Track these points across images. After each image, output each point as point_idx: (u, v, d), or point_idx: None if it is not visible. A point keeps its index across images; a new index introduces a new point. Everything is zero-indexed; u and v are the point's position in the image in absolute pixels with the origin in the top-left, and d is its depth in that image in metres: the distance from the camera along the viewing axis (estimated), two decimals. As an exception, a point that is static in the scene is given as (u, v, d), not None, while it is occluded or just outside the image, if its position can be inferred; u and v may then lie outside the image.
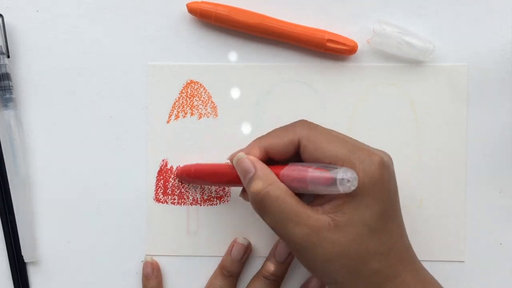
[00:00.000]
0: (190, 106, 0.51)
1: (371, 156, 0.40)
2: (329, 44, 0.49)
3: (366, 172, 0.40)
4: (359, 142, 0.43)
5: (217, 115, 0.51)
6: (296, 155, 0.43)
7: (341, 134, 0.43)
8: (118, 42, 0.51)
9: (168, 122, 0.51)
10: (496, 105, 0.50)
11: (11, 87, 0.50)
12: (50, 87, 0.51)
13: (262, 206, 0.42)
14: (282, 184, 0.42)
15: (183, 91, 0.51)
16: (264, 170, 0.42)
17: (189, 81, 0.51)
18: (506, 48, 0.50)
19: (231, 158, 0.45)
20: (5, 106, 0.50)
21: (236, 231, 0.51)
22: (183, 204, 0.51)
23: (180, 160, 0.51)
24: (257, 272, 0.50)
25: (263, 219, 0.42)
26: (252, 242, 0.50)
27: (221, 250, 0.50)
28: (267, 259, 0.50)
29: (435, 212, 0.50)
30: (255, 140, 0.45)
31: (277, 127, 0.44)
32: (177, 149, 0.51)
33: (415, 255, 0.43)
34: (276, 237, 0.50)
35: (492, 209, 0.50)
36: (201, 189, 0.51)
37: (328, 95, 0.50)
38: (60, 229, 0.51)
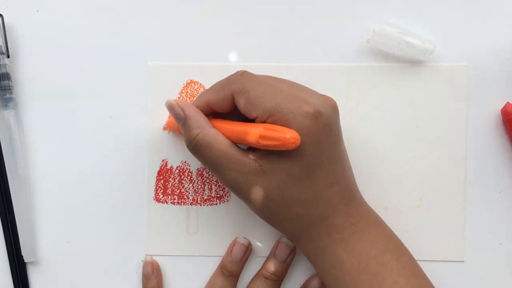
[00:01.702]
0: (190, 106, 0.51)
1: (302, 107, 0.40)
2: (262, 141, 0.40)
3: (293, 124, 0.40)
4: (298, 88, 0.43)
5: (217, 115, 0.51)
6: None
7: (281, 81, 0.43)
8: (118, 42, 0.51)
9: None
10: (496, 105, 0.50)
11: (11, 87, 0.50)
12: (50, 87, 0.51)
13: (195, 152, 0.43)
14: (213, 130, 0.43)
15: (183, 91, 0.51)
16: (194, 116, 0.43)
17: (189, 81, 0.51)
18: (506, 48, 0.50)
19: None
20: (5, 106, 0.50)
21: (236, 231, 0.51)
22: (183, 204, 0.51)
23: (180, 160, 0.51)
24: (258, 272, 0.50)
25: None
26: (252, 242, 0.50)
27: (221, 250, 0.50)
28: (268, 259, 0.50)
29: (435, 212, 0.50)
30: (200, 94, 0.45)
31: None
32: (177, 149, 0.51)
33: (353, 199, 0.43)
34: (277, 237, 0.50)
35: (492, 209, 0.50)
36: (201, 189, 0.51)
37: (328, 95, 0.50)
38: (60, 229, 0.51)
